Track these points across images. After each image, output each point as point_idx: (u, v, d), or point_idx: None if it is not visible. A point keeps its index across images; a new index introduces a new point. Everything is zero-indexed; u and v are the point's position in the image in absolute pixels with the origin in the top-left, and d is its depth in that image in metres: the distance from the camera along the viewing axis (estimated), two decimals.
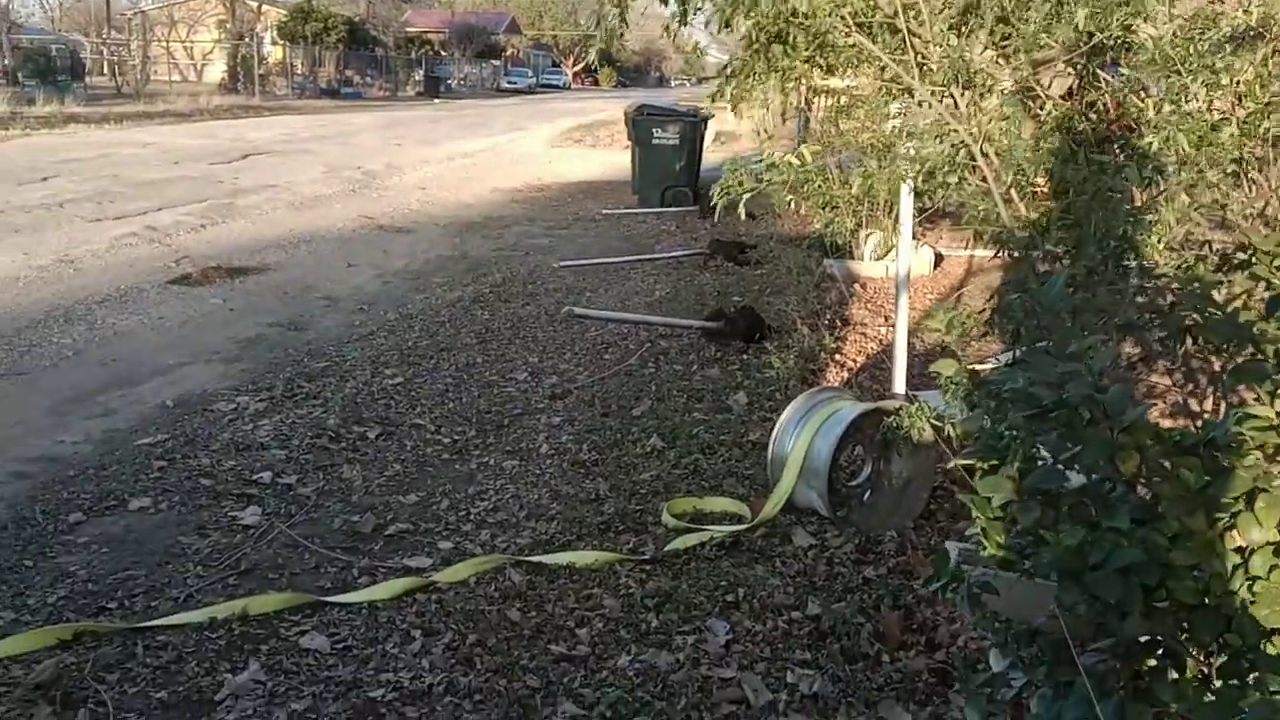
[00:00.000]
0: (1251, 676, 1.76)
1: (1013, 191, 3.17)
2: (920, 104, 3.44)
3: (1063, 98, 3.49)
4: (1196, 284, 1.89)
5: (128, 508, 4.00)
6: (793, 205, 4.35)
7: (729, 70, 4.18)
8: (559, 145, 22.86)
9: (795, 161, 3.69)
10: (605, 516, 3.93)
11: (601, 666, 2.95)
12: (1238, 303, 1.99)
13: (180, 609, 3.27)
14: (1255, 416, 1.78)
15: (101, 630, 3.09)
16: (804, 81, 3.78)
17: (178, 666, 2.96)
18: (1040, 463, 2.02)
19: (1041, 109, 3.28)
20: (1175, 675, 1.87)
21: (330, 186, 13.96)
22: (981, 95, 3.31)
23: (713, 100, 4.31)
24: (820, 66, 3.69)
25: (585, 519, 3.91)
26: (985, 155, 3.27)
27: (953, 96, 3.31)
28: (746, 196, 3.67)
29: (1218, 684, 1.83)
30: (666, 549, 3.61)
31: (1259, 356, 1.81)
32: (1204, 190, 2.46)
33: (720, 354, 6.06)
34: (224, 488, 4.19)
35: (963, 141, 3.28)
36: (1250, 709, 1.69)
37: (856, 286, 7.83)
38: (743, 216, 3.87)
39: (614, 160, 18.15)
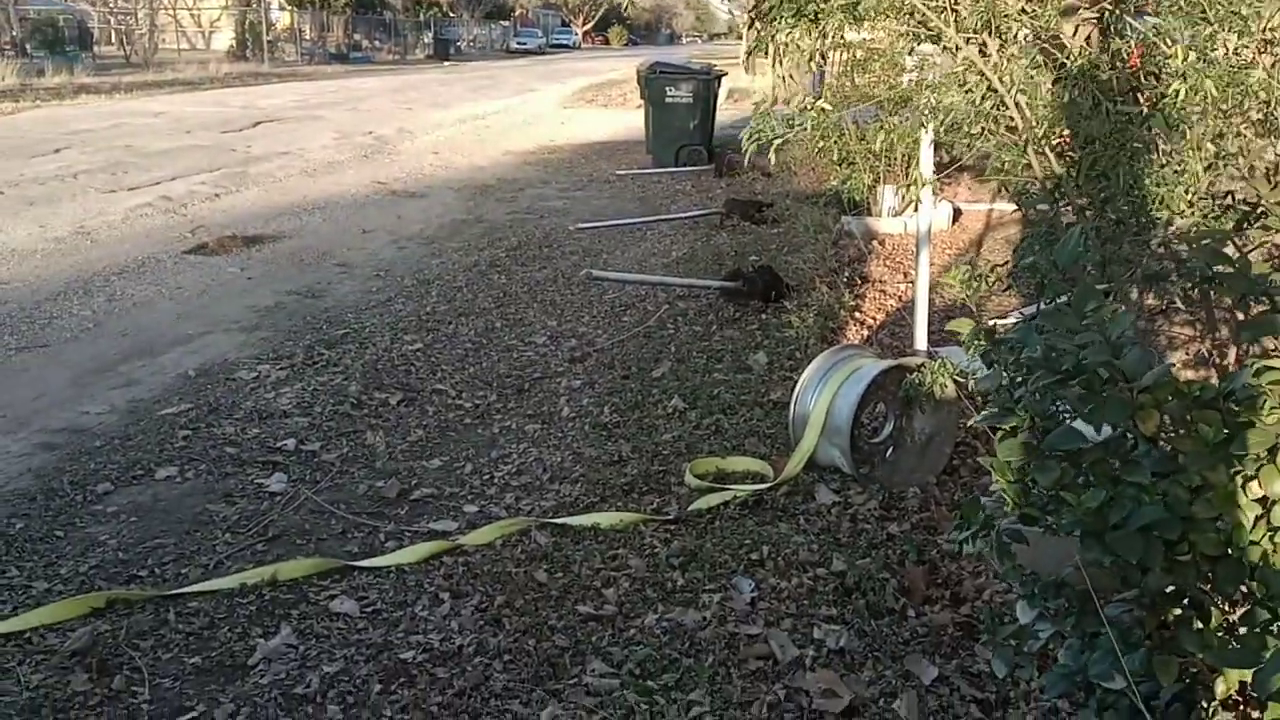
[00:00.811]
0: (1276, 626, 1.77)
1: (1043, 143, 3.13)
2: (951, 49, 3.38)
3: (1085, 46, 3.44)
4: (1209, 239, 1.87)
5: (154, 477, 4.04)
6: (815, 152, 4.33)
7: (762, 10, 4.10)
8: (571, 106, 22.72)
9: (826, 106, 3.67)
10: (628, 478, 3.95)
11: (629, 625, 2.98)
12: (1257, 255, 1.98)
13: (210, 576, 3.32)
14: (1273, 369, 1.77)
15: (134, 598, 3.15)
16: (830, 31, 3.71)
17: (210, 632, 3.01)
18: (1062, 419, 2.02)
19: (1066, 57, 3.23)
20: (1200, 625, 1.89)
21: (342, 152, 13.94)
22: (1009, 42, 3.27)
23: (749, 55, 4.26)
24: (851, 13, 3.63)
25: (608, 481, 3.94)
26: (1018, 105, 3.23)
27: (984, 44, 3.27)
28: (778, 142, 3.64)
29: (1242, 632, 1.84)
30: (690, 509, 3.64)
31: (1274, 309, 1.80)
32: (1231, 139, 2.43)
33: (739, 314, 6.05)
34: (249, 455, 4.23)
35: (992, 89, 3.23)
36: (1272, 656, 1.70)
37: (875, 243, 7.79)
38: (772, 161, 3.84)
39: (627, 120, 18.03)
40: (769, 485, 3.77)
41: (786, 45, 4.01)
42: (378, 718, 2.62)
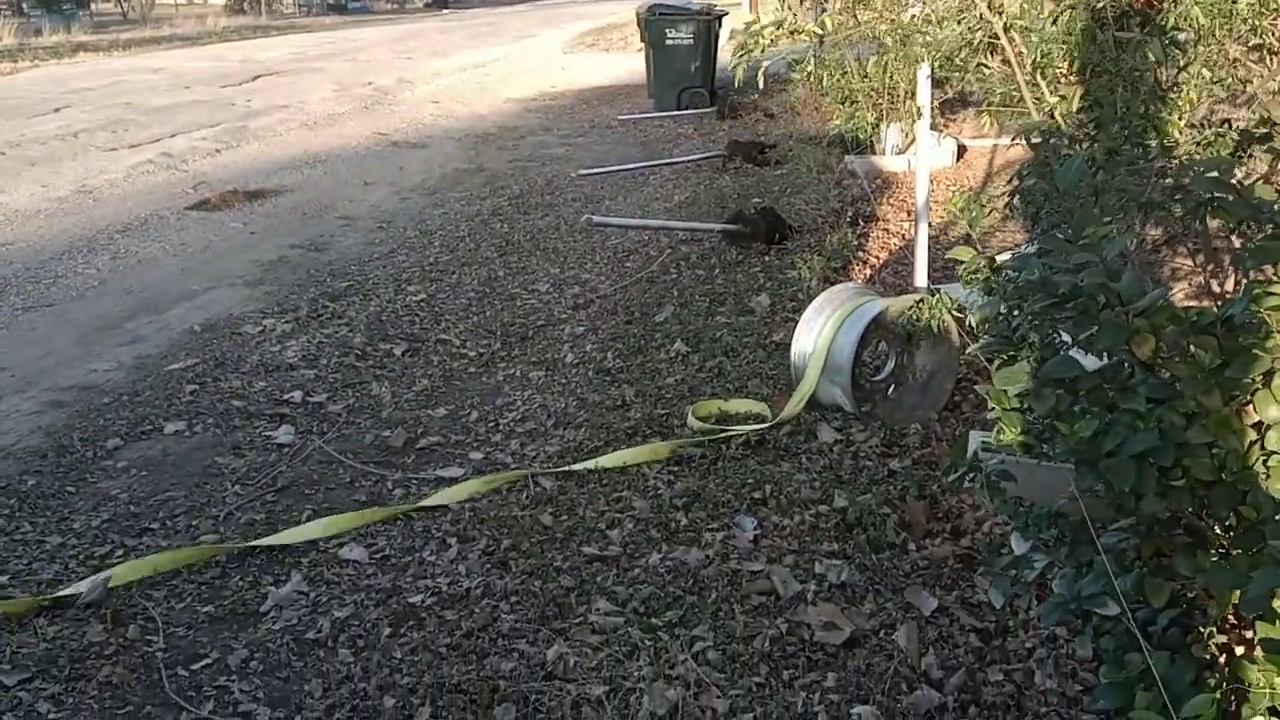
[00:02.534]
0: (1267, 548, 1.78)
1: (1036, 74, 3.09)
2: None
3: None
4: (1210, 165, 1.86)
5: (163, 432, 4.08)
6: (812, 101, 4.27)
7: None
8: (571, 51, 22.45)
9: (818, 30, 3.60)
10: (632, 422, 3.97)
11: (633, 565, 3.02)
12: (1258, 180, 1.96)
13: (221, 526, 3.37)
14: (1273, 294, 1.77)
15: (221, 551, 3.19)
16: None
17: (221, 581, 3.06)
18: (1059, 346, 2.03)
19: None
20: (1195, 550, 1.90)
21: (342, 104, 13.84)
22: None
23: None
24: None
25: (612, 425, 3.96)
26: (1009, 35, 3.19)
27: None
28: (766, 64, 3.57)
29: (1236, 555, 1.86)
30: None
31: (1276, 235, 1.79)
32: (1225, 65, 2.39)
33: (741, 257, 6.03)
34: (256, 408, 4.27)
35: (983, 19, 3.19)
36: (1260, 574, 1.71)
37: (878, 182, 7.73)
38: (761, 85, 3.75)
39: (628, 64, 17.82)
40: (769, 424, 3.78)
41: None
42: (388, 659, 2.67)
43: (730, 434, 3.72)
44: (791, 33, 3.54)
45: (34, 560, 3.20)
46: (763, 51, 3.48)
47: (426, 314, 5.37)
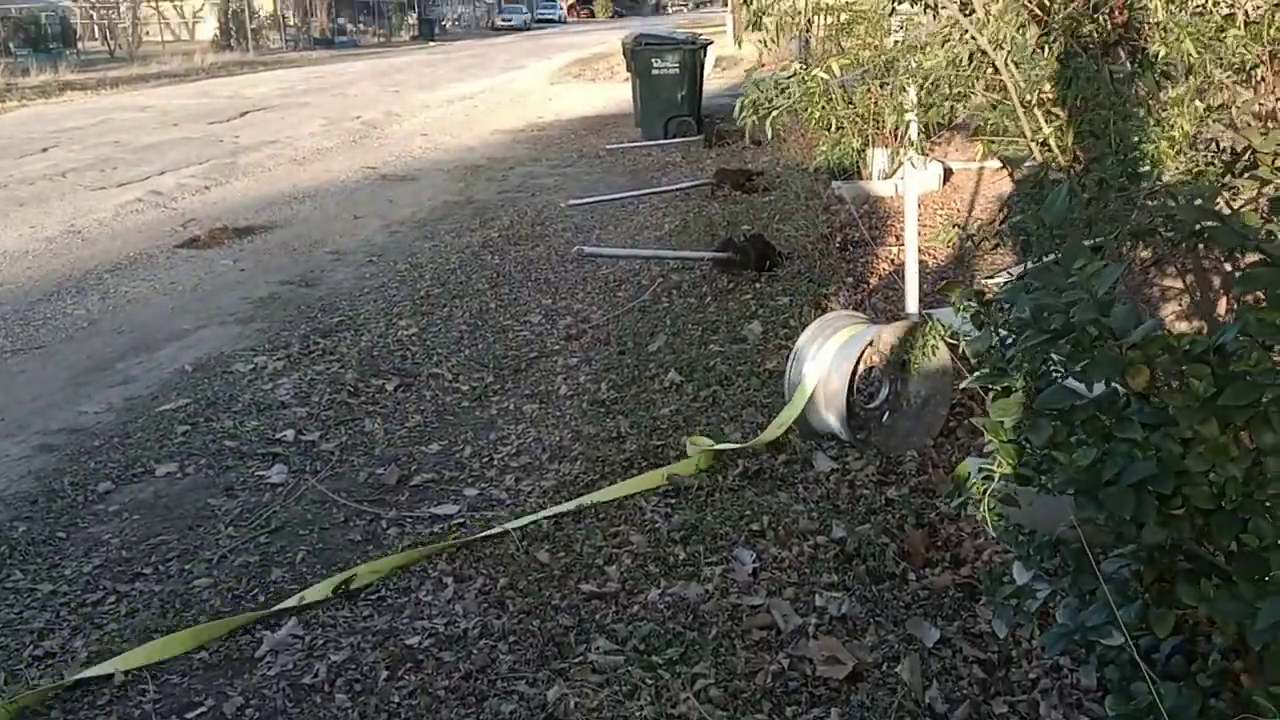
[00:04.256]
0: (1270, 576, 1.77)
1: (1031, 103, 3.11)
2: (933, 8, 3.35)
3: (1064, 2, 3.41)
4: (1196, 193, 1.86)
5: (155, 474, 4.05)
6: (814, 118, 4.27)
7: None
8: (558, 81, 22.58)
9: (824, 75, 3.62)
10: (628, 454, 3.96)
11: (632, 601, 2.99)
12: (1247, 206, 1.97)
13: (215, 569, 3.34)
14: (1264, 320, 1.77)
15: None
16: None
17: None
18: (1053, 377, 2.02)
19: (1047, 13, 3.20)
20: (1197, 578, 1.89)
21: (331, 139, 13.87)
22: (991, 1, 3.24)
23: (748, 27, 4.18)
24: None
25: (608, 457, 3.94)
26: (1007, 66, 3.21)
27: (972, 4, 3.23)
28: (774, 115, 3.59)
29: (1238, 583, 1.85)
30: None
31: (1265, 261, 1.79)
32: (1214, 92, 2.41)
33: (733, 284, 6.03)
34: (248, 448, 4.24)
35: (979, 49, 3.20)
36: (1267, 605, 1.70)
37: (866, 207, 7.76)
38: (769, 135, 3.78)
39: (615, 94, 17.92)
40: (749, 444, 3.79)
41: (771, 6, 3.98)
42: (386, 704, 2.64)
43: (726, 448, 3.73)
44: (799, 82, 3.55)
45: (25, 609, 3.16)
46: (769, 103, 3.50)
47: (418, 348, 5.35)
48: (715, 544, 3.25)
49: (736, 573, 3.09)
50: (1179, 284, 3.55)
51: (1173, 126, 2.40)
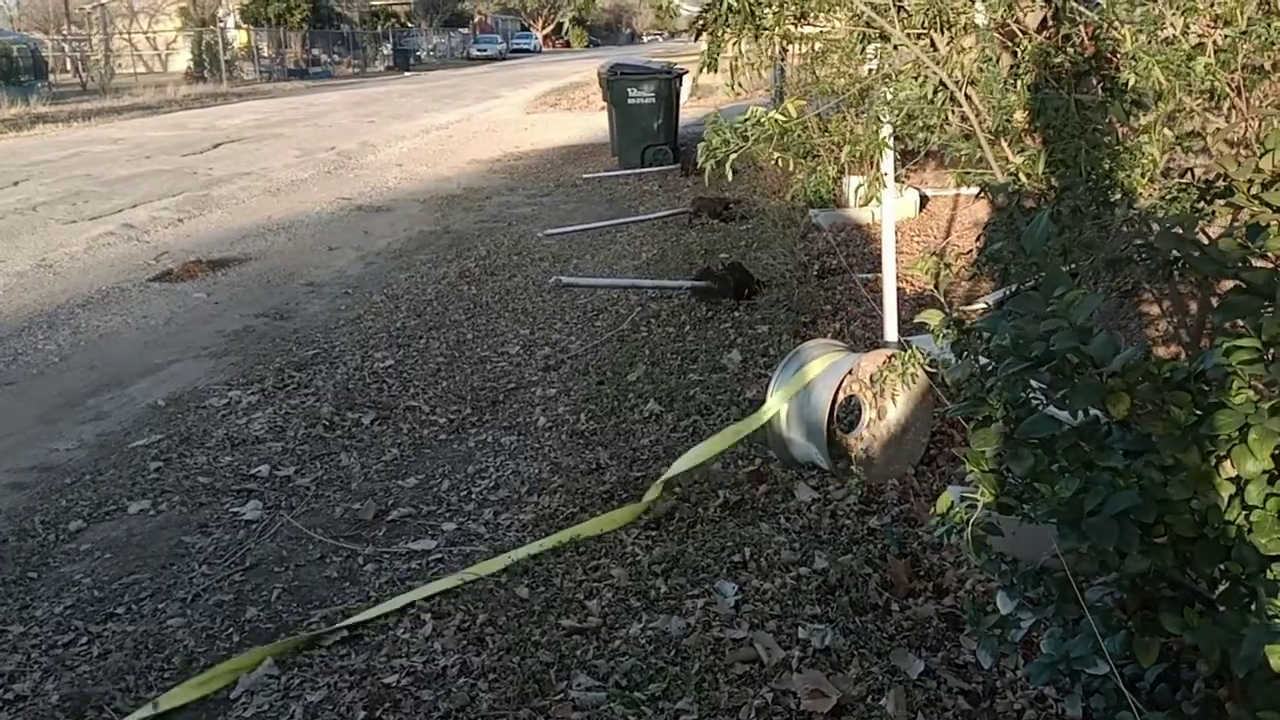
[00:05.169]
0: (1254, 604, 1.77)
1: (999, 134, 3.13)
2: (896, 48, 3.38)
3: (1037, 31, 3.44)
4: (1173, 222, 1.87)
5: (127, 512, 3.99)
6: (775, 159, 4.27)
7: (704, 22, 4.05)
8: (534, 111, 22.66)
9: (780, 117, 3.62)
10: (608, 485, 3.93)
11: (613, 636, 2.96)
12: (1224, 234, 1.98)
13: (189, 609, 3.28)
14: (1242, 348, 1.77)
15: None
16: (777, 30, 3.68)
17: (191, 666, 2.96)
18: (1034, 405, 2.02)
19: (1017, 45, 3.23)
20: (1181, 605, 1.89)
21: (305, 170, 13.84)
22: (959, 35, 3.26)
23: (702, 70, 4.18)
24: (793, 12, 3.61)
25: (588, 489, 3.91)
26: (969, 99, 3.23)
27: (931, 39, 3.26)
28: (733, 156, 3.60)
29: (1222, 611, 1.84)
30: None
31: (1243, 288, 1.80)
32: (1185, 120, 2.43)
33: (711, 313, 6.04)
34: (223, 484, 4.18)
35: (942, 84, 3.23)
36: (1251, 633, 1.70)
37: (843, 235, 7.80)
38: (729, 177, 3.79)
39: (591, 123, 17.99)
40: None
41: (739, 58, 3.99)
42: None
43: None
44: (753, 125, 3.55)
45: None
46: (726, 147, 3.49)
47: (395, 381, 5.31)
48: (697, 576, 3.22)
49: (719, 605, 3.06)
50: (1154, 310, 3.57)
51: (1143, 154, 2.42)
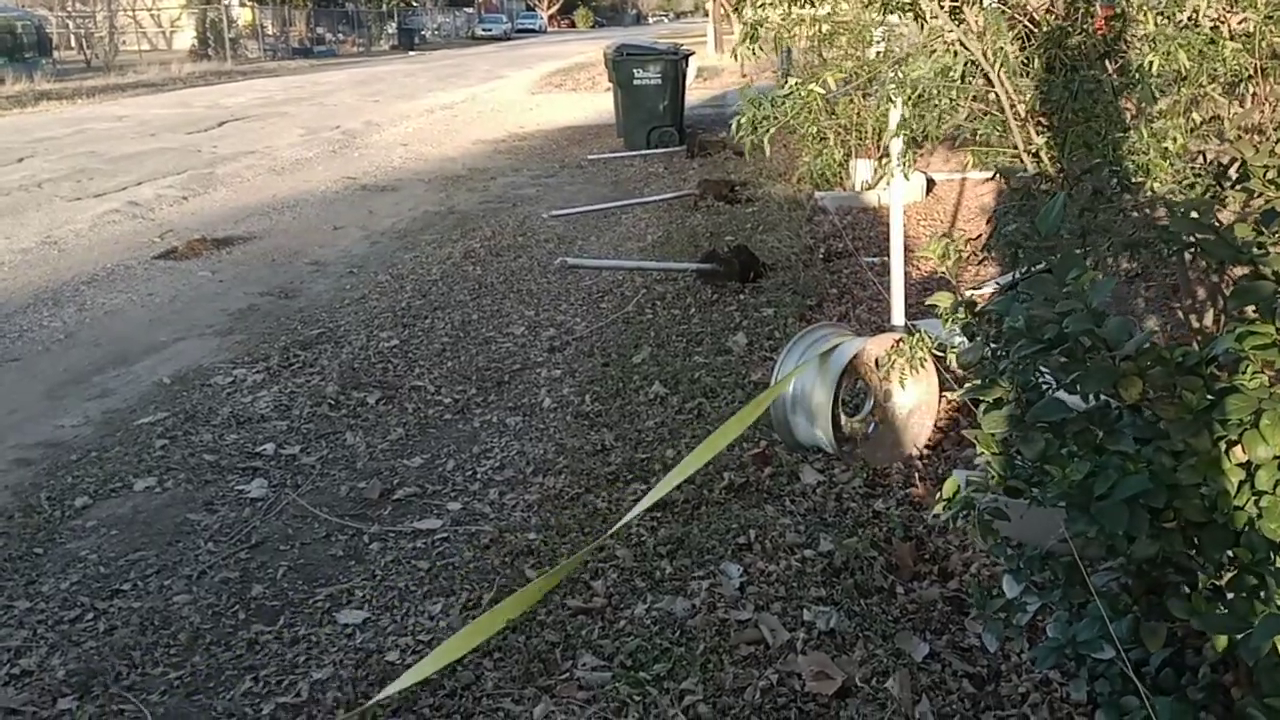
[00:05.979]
0: (1263, 591, 1.76)
1: (1021, 109, 3.10)
2: (924, 16, 3.33)
3: (1049, 11, 3.42)
4: (1189, 207, 1.86)
5: (133, 489, 3.99)
6: (782, 139, 4.26)
7: None
8: (540, 91, 22.58)
9: (819, 90, 3.60)
10: (613, 467, 3.93)
11: (619, 617, 2.96)
12: (1234, 218, 1.96)
13: (195, 586, 3.28)
14: (1255, 333, 1.76)
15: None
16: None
17: (197, 643, 2.97)
18: (1044, 388, 2.01)
19: (1036, 25, 3.20)
20: (1188, 591, 1.88)
21: (310, 149, 13.80)
22: (992, 16, 3.23)
23: (741, 43, 4.13)
24: None
25: (592, 471, 3.91)
26: (1000, 78, 3.20)
27: (957, 9, 3.22)
28: (772, 131, 3.57)
29: (1229, 597, 1.84)
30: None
31: (1256, 274, 1.79)
32: (1206, 105, 2.41)
33: (717, 295, 6.02)
34: (228, 462, 4.19)
35: (970, 60, 3.20)
36: (1261, 621, 1.69)
37: (849, 218, 7.77)
38: (767, 152, 3.76)
39: (597, 104, 17.93)
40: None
41: (757, 22, 3.96)
42: None
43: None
44: (789, 95, 3.53)
45: (1, 626, 3.10)
46: (768, 121, 3.47)
47: (400, 360, 5.31)
48: (702, 558, 3.23)
49: (724, 587, 3.06)
50: (1164, 294, 3.55)
51: (1165, 138, 2.40)
